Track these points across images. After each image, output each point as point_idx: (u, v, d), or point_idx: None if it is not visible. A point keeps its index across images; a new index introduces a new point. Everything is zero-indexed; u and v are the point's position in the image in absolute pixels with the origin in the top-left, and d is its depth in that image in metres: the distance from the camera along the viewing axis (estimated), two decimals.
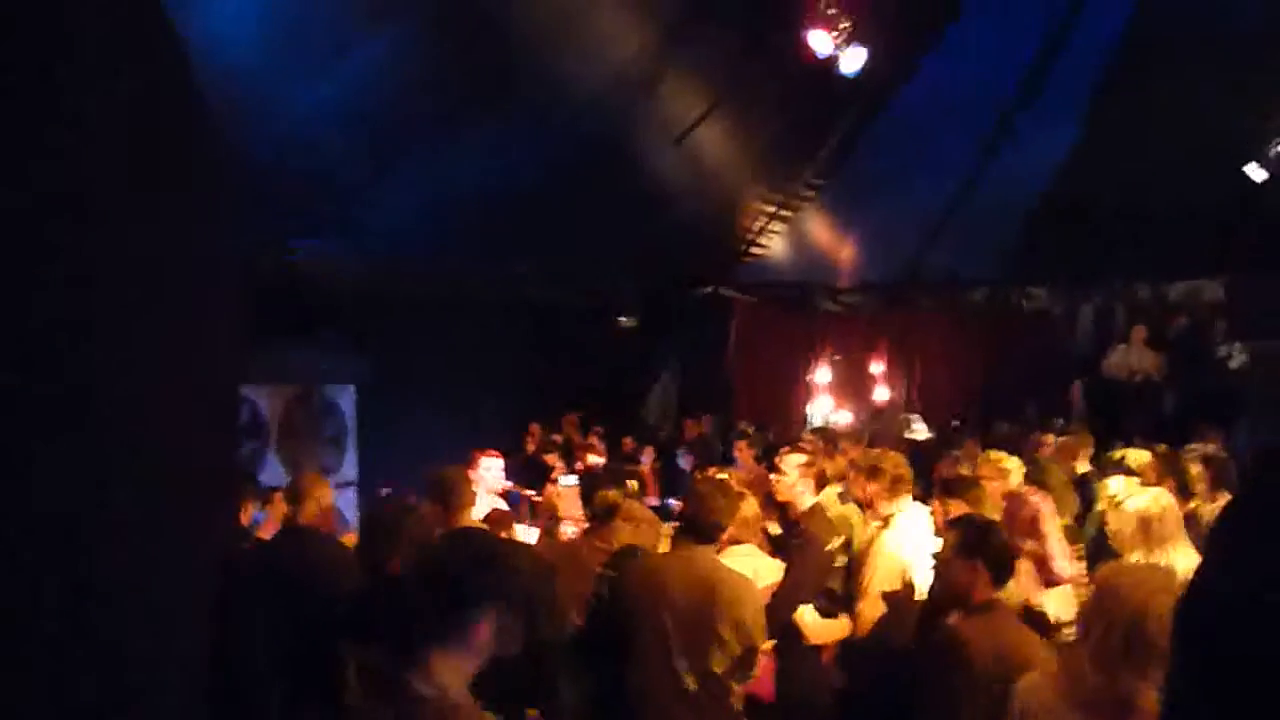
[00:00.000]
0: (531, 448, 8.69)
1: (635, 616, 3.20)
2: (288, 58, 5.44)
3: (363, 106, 6.12)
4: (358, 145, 6.39)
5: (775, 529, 4.61)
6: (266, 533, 4.65)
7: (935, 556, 2.97)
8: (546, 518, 5.24)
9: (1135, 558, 3.42)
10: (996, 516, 4.35)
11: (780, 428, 10.37)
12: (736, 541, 4.07)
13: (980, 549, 2.80)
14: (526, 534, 4.88)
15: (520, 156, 7.31)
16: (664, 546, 4.20)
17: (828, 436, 7.39)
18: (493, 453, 5.53)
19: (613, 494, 4.11)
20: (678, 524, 3.44)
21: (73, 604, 1.70)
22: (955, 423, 8.42)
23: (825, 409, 11.86)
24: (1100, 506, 4.65)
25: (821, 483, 4.26)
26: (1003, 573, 2.82)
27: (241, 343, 3.87)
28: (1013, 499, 4.11)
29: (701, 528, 3.29)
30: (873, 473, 4.52)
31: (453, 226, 7.76)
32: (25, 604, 1.57)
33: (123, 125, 2.04)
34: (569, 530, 4.79)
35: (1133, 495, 4.01)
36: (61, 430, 1.70)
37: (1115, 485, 4.48)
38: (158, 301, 2.37)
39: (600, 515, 4.10)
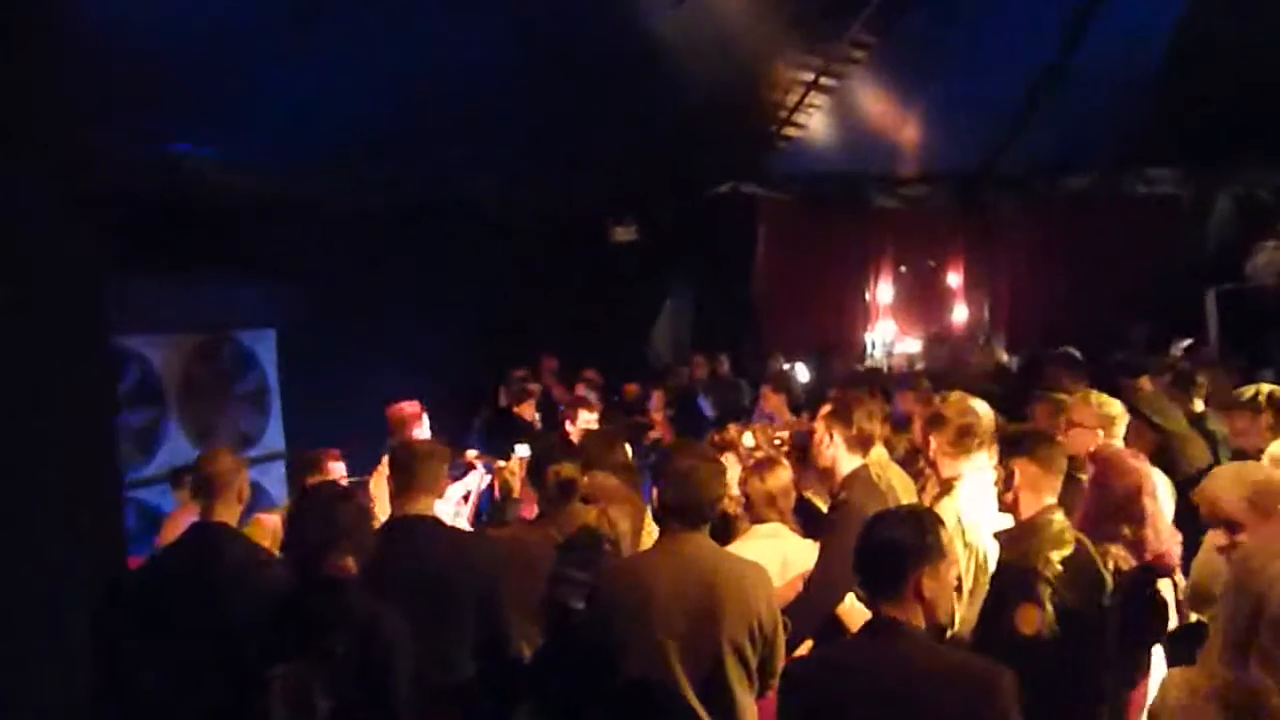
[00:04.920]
0: (504, 401, 8.82)
1: (618, 633, 3.27)
2: None
3: None
4: (254, 19, 6.35)
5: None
6: (173, 529, 4.78)
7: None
8: (500, 499, 5.31)
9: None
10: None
11: (830, 363, 10.46)
12: (760, 520, 4.22)
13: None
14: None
15: (475, 25, 7.26)
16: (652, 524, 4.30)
17: (874, 379, 7.48)
18: (411, 405, 5.71)
19: (567, 467, 4.10)
20: (658, 509, 3.50)
21: None
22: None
23: (888, 336, 11.92)
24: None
25: (864, 440, 4.33)
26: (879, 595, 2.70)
27: (100, 279, 3.88)
28: (1104, 464, 4.18)
29: (690, 510, 3.35)
30: (934, 422, 4.63)
31: (387, 119, 7.74)
32: None
33: None
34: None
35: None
36: None
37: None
38: None
39: (554, 496, 4.11)
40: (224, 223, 8.04)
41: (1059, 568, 3.45)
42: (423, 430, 5.75)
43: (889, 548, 2.68)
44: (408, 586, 3.57)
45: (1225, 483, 3.27)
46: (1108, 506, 4.08)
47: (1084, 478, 4.57)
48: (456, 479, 5.54)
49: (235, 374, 8.66)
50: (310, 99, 7.26)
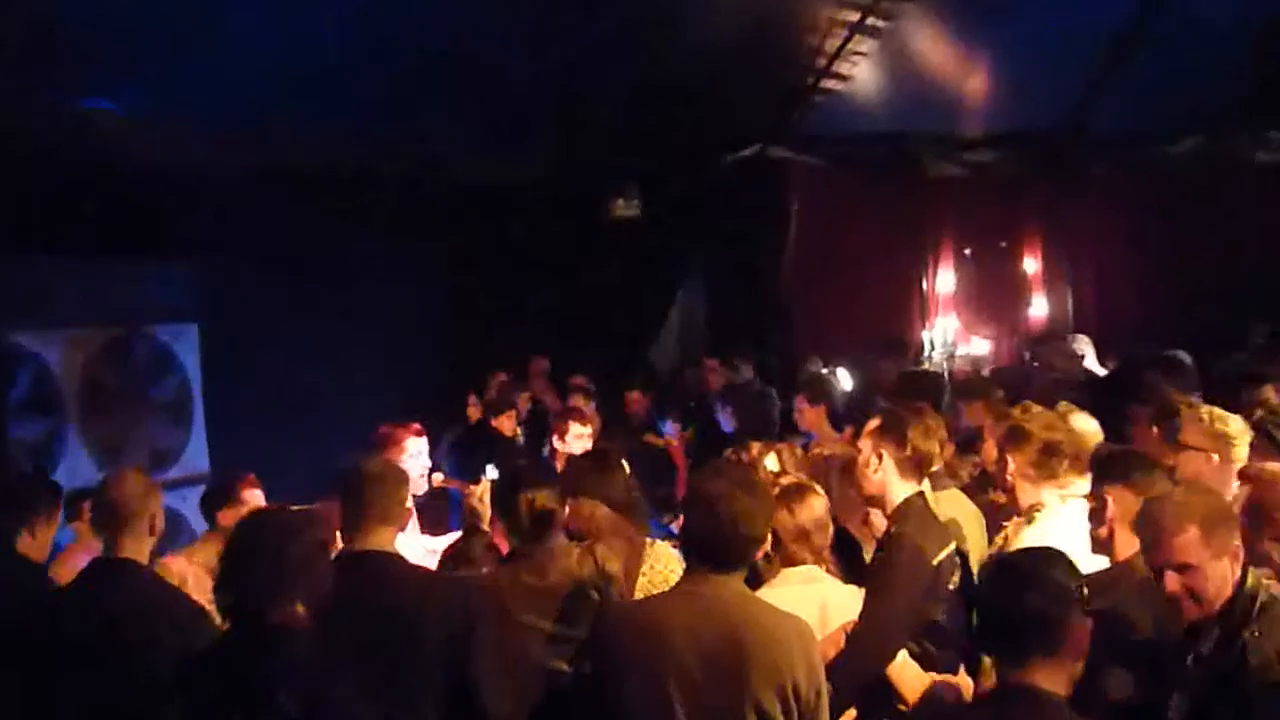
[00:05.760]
0: (477, 414, 8.83)
1: (619, 693, 3.27)
2: None
3: None
4: None
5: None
6: (69, 567, 4.77)
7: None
8: (465, 531, 5.29)
9: None
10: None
11: (878, 367, 10.45)
12: (791, 561, 4.20)
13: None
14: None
15: None
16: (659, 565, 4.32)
17: (933, 387, 7.48)
18: (415, 429, 5.64)
19: (543, 495, 4.13)
20: (680, 544, 3.50)
21: None
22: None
23: (950, 334, 11.90)
24: None
25: (920, 462, 4.34)
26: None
27: None
28: (1266, 482, 4.14)
29: (716, 547, 3.33)
30: (1013, 437, 4.63)
31: (335, 75, 7.74)
32: None
33: None
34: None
35: None
36: None
37: None
38: None
39: (527, 530, 4.13)
40: (139, 194, 8.04)
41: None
42: (413, 458, 5.58)
43: (1034, 598, 2.68)
44: (362, 637, 3.58)
45: (1176, 512, 3.22)
46: (1265, 522, 4.01)
47: None
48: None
49: (149, 378, 8.66)
50: (250, 47, 7.24)
